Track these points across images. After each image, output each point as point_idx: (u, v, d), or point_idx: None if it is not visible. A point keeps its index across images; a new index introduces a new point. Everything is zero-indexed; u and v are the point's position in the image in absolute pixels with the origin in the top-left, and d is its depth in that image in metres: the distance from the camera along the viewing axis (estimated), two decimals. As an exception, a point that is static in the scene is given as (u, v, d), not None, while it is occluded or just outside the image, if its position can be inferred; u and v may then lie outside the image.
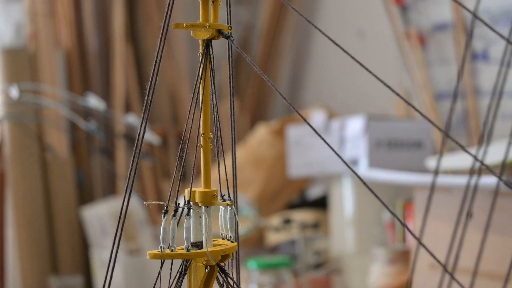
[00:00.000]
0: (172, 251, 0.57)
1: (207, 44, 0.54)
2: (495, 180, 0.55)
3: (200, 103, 0.55)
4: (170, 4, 0.51)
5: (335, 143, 1.85)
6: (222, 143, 0.56)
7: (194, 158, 0.56)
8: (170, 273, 0.58)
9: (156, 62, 0.52)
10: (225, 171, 0.57)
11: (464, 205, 0.60)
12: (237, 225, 0.60)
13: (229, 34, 0.53)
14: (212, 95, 0.54)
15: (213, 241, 0.59)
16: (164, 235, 0.57)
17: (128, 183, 0.56)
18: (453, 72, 2.27)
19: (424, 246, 0.48)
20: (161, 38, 0.51)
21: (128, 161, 2.47)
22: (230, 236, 0.60)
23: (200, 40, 0.54)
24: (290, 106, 0.50)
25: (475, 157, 0.53)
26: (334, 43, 0.49)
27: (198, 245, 0.57)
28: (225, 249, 0.58)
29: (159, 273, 0.54)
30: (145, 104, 0.52)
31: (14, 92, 1.88)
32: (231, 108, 0.54)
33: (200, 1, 0.53)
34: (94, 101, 1.90)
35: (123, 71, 2.62)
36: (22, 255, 2.29)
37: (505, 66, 0.58)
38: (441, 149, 0.60)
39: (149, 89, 0.53)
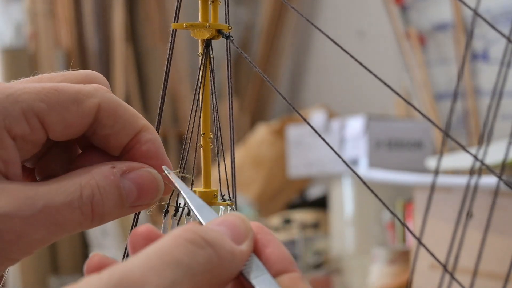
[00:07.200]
0: (172, 251, 0.56)
1: (207, 44, 0.54)
2: (495, 180, 0.55)
3: (200, 103, 0.55)
4: (178, 7, 0.51)
5: (335, 143, 1.85)
6: (222, 143, 0.56)
7: (194, 158, 0.56)
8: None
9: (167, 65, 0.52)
10: (225, 171, 0.57)
11: (464, 205, 0.60)
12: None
13: (228, 34, 0.53)
14: (212, 95, 0.54)
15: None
16: (164, 235, 0.56)
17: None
18: (453, 72, 2.27)
19: (424, 246, 0.48)
20: (171, 42, 0.51)
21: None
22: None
23: (200, 40, 0.54)
24: (290, 106, 0.50)
25: (475, 157, 0.53)
26: (334, 42, 0.49)
27: (198, 245, 0.57)
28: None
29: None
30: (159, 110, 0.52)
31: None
32: (230, 108, 0.54)
33: (200, 1, 0.53)
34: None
35: (123, 71, 2.62)
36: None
37: (505, 66, 0.58)
38: (441, 149, 0.60)
39: (163, 93, 0.53)
